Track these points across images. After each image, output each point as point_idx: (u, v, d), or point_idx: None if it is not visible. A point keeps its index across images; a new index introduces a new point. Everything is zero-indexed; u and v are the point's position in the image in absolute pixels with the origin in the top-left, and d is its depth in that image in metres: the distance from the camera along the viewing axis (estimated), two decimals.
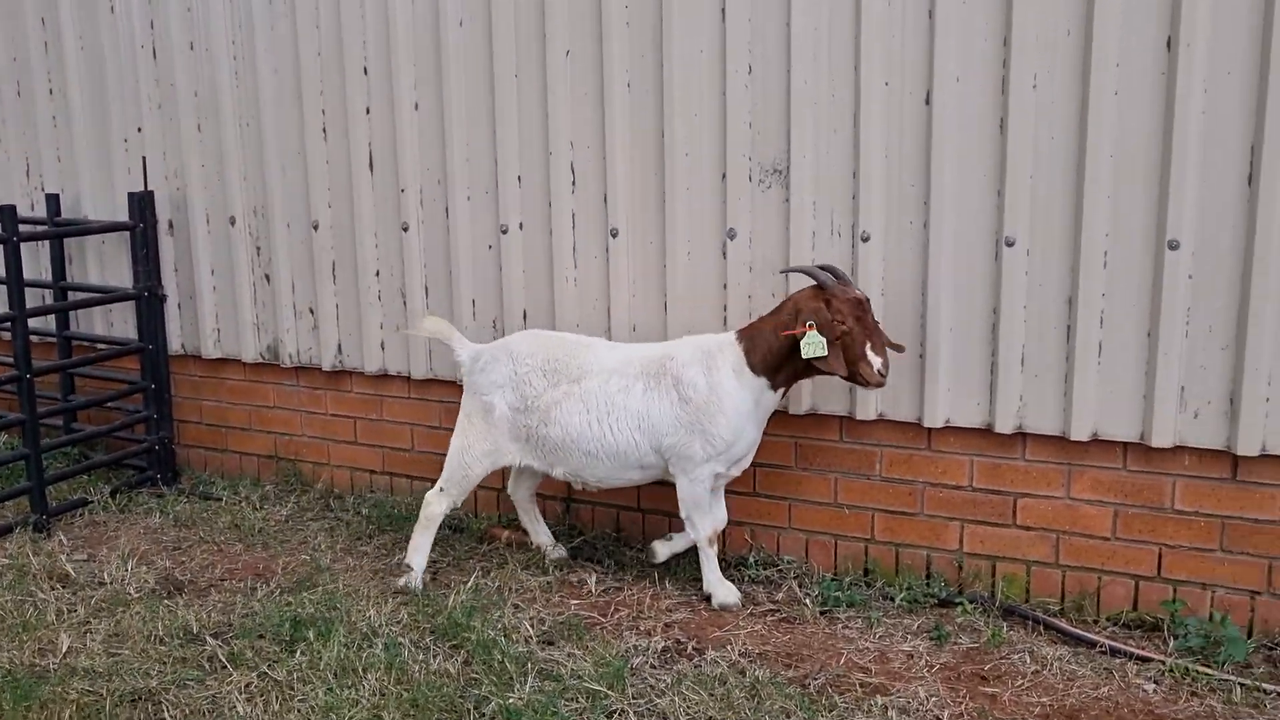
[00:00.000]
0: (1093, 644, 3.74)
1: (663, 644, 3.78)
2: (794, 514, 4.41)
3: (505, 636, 3.76)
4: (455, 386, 4.92)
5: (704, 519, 3.98)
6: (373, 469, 5.34)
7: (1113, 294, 3.73)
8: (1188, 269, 3.62)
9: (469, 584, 4.19)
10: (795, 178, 4.10)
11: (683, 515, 4.00)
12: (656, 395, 3.88)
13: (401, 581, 4.17)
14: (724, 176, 4.23)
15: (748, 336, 3.84)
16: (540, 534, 4.50)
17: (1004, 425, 3.94)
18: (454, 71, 4.67)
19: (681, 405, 3.83)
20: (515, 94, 4.58)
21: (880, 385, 3.69)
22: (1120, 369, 3.76)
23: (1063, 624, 3.85)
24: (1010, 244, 3.81)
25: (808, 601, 4.10)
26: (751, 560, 4.43)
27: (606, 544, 4.71)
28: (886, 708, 3.34)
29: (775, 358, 3.76)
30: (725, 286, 4.29)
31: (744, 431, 3.88)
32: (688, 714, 3.27)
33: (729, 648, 3.75)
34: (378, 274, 5.06)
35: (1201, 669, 3.53)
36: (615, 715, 3.25)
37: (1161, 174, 3.60)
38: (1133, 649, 3.68)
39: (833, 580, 4.25)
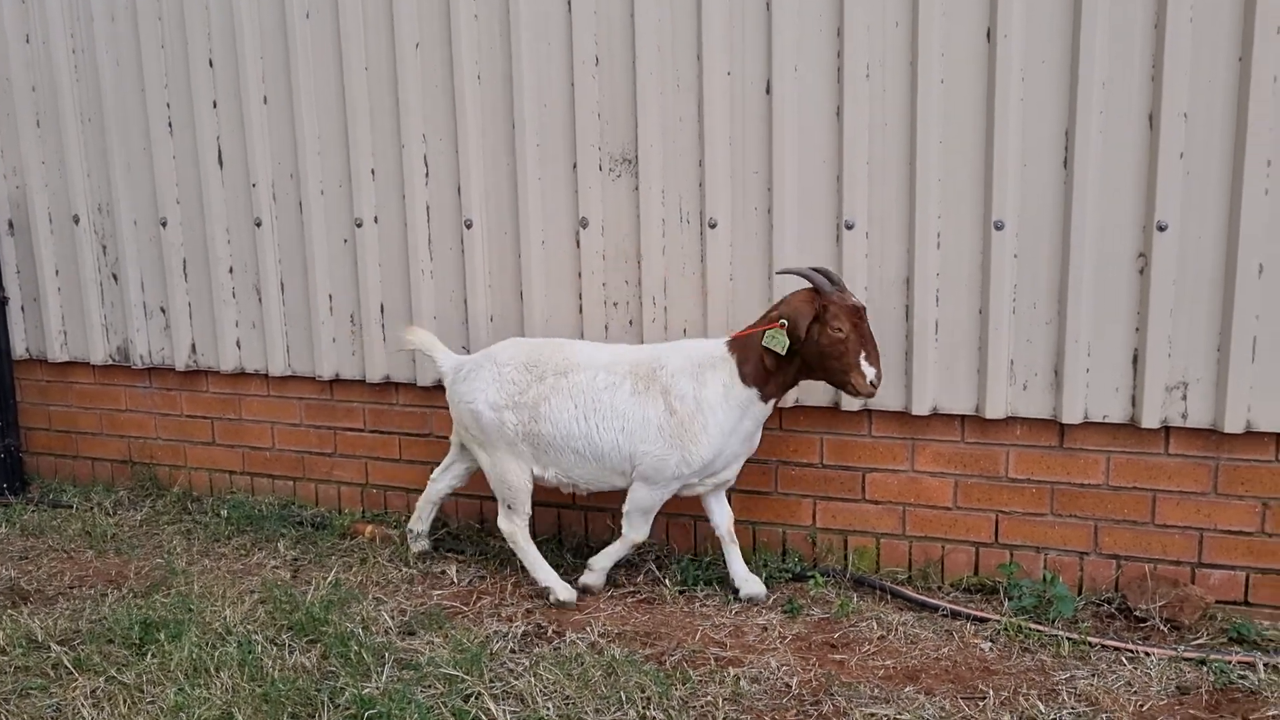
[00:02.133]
0: (935, 608, 3.90)
1: (523, 629, 3.81)
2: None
3: (364, 629, 3.75)
4: (315, 383, 4.88)
5: (647, 526, 3.95)
6: (233, 470, 5.24)
7: (946, 273, 3.90)
8: (1013, 248, 3.81)
9: (329, 579, 4.15)
10: (644, 167, 4.18)
11: (625, 509, 3.91)
12: (645, 399, 3.76)
13: (551, 599, 4.02)
14: (575, 166, 4.29)
15: (740, 346, 3.74)
16: (422, 521, 4.45)
17: (850, 403, 4.07)
18: (302, 64, 4.63)
19: (668, 416, 3.73)
20: (365, 86, 4.56)
21: (871, 395, 3.62)
22: (955, 345, 3.93)
23: (908, 592, 4.01)
24: (850, 227, 3.95)
25: (667, 582, 4.17)
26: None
27: (471, 535, 4.72)
28: (739, 678, 3.43)
29: (765, 366, 3.69)
30: (580, 275, 4.35)
31: (724, 449, 3.80)
32: (544, 693, 3.31)
33: (589, 629, 3.80)
34: (231, 271, 4.97)
35: (1034, 626, 3.72)
36: (471, 699, 3.27)
37: (986, 158, 3.78)
38: (971, 611, 3.85)
39: (692, 560, 4.34)
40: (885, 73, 3.86)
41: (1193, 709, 3.25)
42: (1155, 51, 3.57)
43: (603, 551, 4.06)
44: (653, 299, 4.24)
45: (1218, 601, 3.83)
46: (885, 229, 3.95)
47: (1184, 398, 3.72)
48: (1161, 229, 3.62)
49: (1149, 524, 3.87)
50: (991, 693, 3.33)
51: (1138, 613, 3.77)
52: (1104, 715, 3.18)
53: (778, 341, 3.59)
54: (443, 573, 4.32)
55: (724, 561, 4.13)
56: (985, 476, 4.03)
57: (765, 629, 3.82)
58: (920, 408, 3.98)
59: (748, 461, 4.09)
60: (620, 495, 3.98)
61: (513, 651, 3.65)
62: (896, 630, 3.77)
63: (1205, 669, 3.45)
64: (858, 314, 3.57)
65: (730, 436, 3.78)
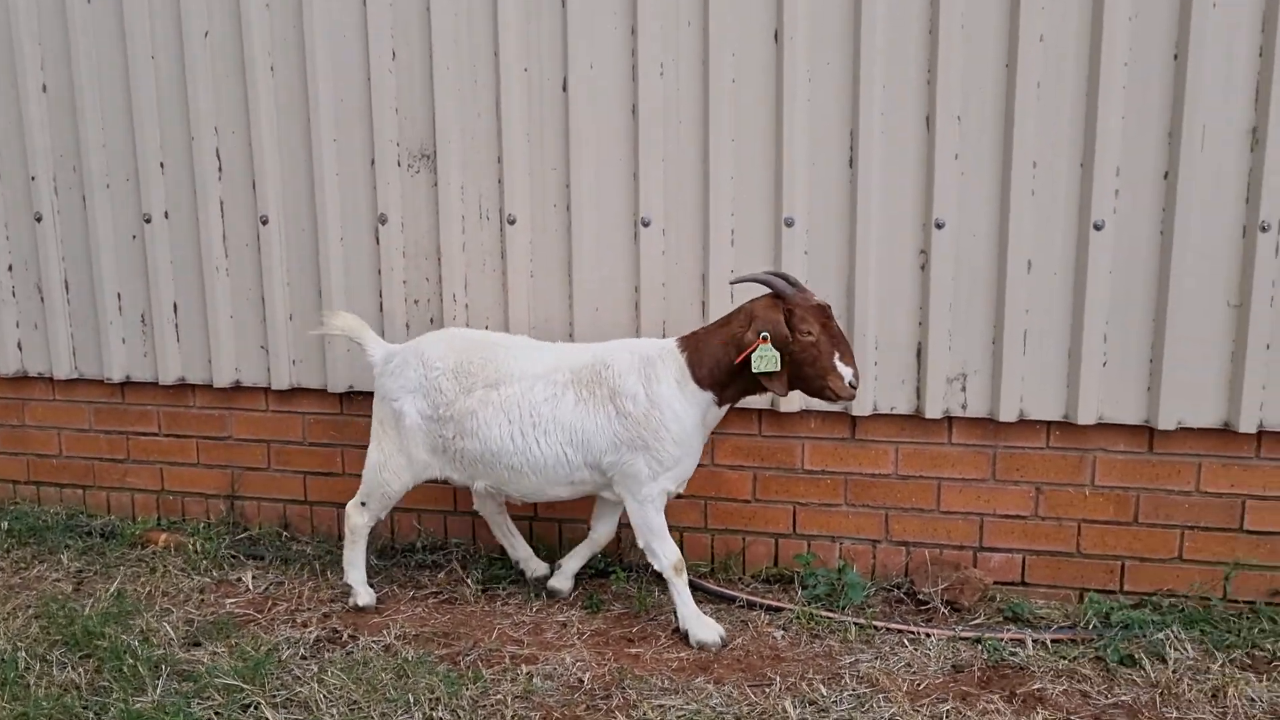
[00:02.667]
0: (733, 599, 3.96)
1: (316, 634, 3.71)
2: (460, 498, 4.43)
3: (144, 641, 3.59)
4: (105, 386, 4.66)
5: (665, 544, 3.60)
6: (16, 479, 4.96)
7: (741, 269, 3.97)
8: (804, 245, 3.90)
9: (111, 590, 3.96)
10: (442, 162, 4.13)
11: (640, 545, 3.63)
12: (590, 407, 3.51)
13: (350, 603, 3.89)
14: (373, 162, 4.20)
15: (691, 347, 3.50)
16: (518, 548, 4.13)
17: None
18: (84, 51, 4.41)
19: (620, 420, 3.48)
20: (153, 76, 4.38)
21: (851, 398, 3.37)
22: None
23: (708, 584, 4.07)
24: (646, 224, 3.98)
25: (470, 582, 4.13)
26: (419, 545, 4.42)
27: (272, 540, 4.57)
28: (531, 675, 3.42)
29: (724, 372, 3.44)
30: (380, 272, 4.27)
31: (692, 445, 3.56)
32: (328, 699, 3.23)
33: (385, 632, 3.73)
34: (10, 268, 4.70)
35: (824, 613, 3.81)
36: (250, 709, 3.16)
37: (776, 156, 3.86)
38: (767, 601, 3.93)
39: (496, 560, 4.30)
40: (679, 71, 3.90)
41: (965, 685, 3.38)
42: (930, 56, 3.71)
43: (676, 609, 3.67)
44: (453, 296, 4.19)
45: (998, 583, 4.00)
46: (682, 226, 3.99)
47: (963, 389, 3.87)
48: (940, 226, 3.77)
49: (934, 511, 4.02)
50: (778, 679, 3.40)
51: (922, 596, 3.91)
52: (881, 695, 3.28)
53: (769, 360, 3.31)
54: (238, 580, 4.18)
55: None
56: (783, 469, 4.12)
57: (565, 625, 3.81)
58: None
59: None
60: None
61: (302, 658, 3.55)
62: None
63: (980, 647, 3.60)
64: (824, 313, 3.36)
65: (695, 433, 3.54)
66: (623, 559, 4.27)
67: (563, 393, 3.54)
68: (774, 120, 3.84)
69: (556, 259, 4.10)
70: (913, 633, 3.68)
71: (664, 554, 3.60)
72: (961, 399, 3.88)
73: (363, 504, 3.86)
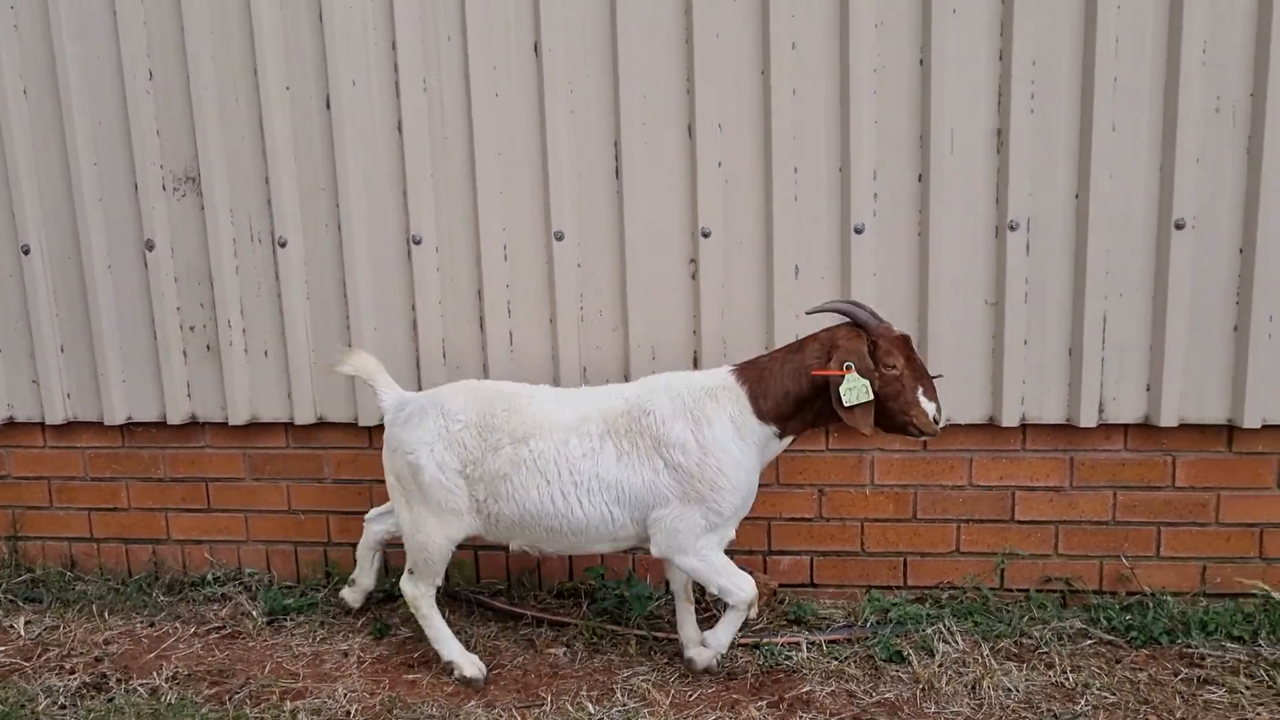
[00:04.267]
0: (520, 617, 3.92)
1: (80, 681, 3.58)
2: (251, 525, 4.32)
3: None
4: None
5: (736, 577, 3.27)
6: None
7: (516, 284, 3.93)
8: (575, 258, 3.88)
9: None
10: (208, 185, 4.01)
11: (715, 591, 3.28)
12: (634, 461, 3.19)
13: (456, 675, 3.54)
14: (136, 186, 4.06)
15: (753, 377, 3.21)
16: (367, 578, 3.92)
17: None
18: None
19: (669, 472, 3.17)
20: None
21: (935, 434, 3.16)
22: (531, 355, 3.96)
23: (496, 602, 4.03)
24: (418, 241, 3.92)
25: (254, 614, 4.02)
26: (210, 578, 4.30)
27: (55, 580, 4.40)
28: (297, 711, 3.34)
29: (791, 403, 3.17)
30: (150, 299, 4.12)
31: (752, 487, 3.29)
32: None
33: (156, 674, 3.62)
34: None
35: (609, 627, 3.80)
36: None
37: (543, 169, 3.82)
38: (554, 617, 3.90)
39: (288, 588, 4.20)
40: (442, 86, 3.84)
41: (736, 693, 3.40)
42: (688, 65, 3.71)
43: (722, 634, 3.45)
44: (229, 321, 4.08)
45: (788, 585, 4.04)
46: (455, 242, 3.94)
47: None
48: (706, 235, 3.77)
49: None
50: (550, 698, 3.38)
51: (707, 601, 3.92)
52: (648, 710, 3.27)
53: (859, 391, 3.05)
54: (11, 627, 4.01)
55: (335, 587, 4.02)
56: None
57: (346, 654, 3.74)
58: None
59: (342, 484, 4.01)
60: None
61: (61, 707, 3.42)
62: (478, 644, 3.77)
63: (758, 652, 3.62)
64: (908, 345, 3.14)
65: (753, 474, 3.25)
66: None
67: (600, 446, 3.22)
68: (538, 133, 3.81)
69: (332, 280, 4.02)
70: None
71: (738, 588, 3.25)
72: None
73: (410, 572, 3.53)
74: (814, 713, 3.27)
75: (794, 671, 3.52)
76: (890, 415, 3.13)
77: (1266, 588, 3.73)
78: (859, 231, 3.70)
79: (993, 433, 3.84)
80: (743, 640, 3.69)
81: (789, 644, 3.66)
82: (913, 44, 3.62)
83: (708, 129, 3.73)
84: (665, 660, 3.61)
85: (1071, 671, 3.46)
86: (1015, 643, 3.67)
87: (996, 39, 3.58)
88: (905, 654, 3.56)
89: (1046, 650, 3.59)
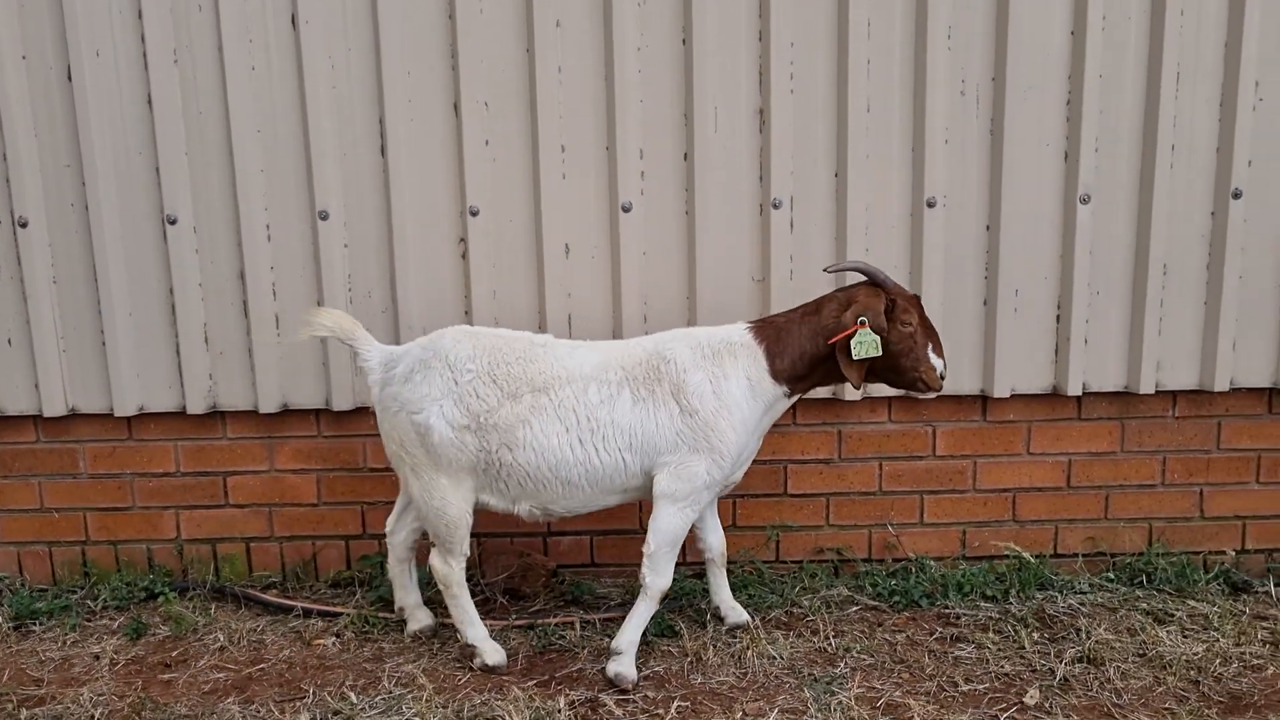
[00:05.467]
0: (290, 610, 3.79)
1: None
2: (2, 526, 4.05)
3: None
4: None
5: (671, 566, 3.27)
6: None
7: (280, 266, 3.79)
8: (342, 238, 3.77)
9: None
10: None
11: (648, 552, 3.22)
12: (651, 406, 3.17)
13: (476, 664, 3.37)
14: None
15: (770, 335, 3.22)
16: (409, 594, 3.63)
17: (197, 405, 3.88)
18: None
19: (684, 418, 3.16)
20: None
21: (940, 389, 3.25)
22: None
23: (264, 596, 3.89)
24: (173, 221, 3.74)
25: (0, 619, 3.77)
26: None
27: None
28: (35, 718, 3.14)
29: (806, 363, 3.21)
30: None
31: (746, 447, 3.29)
32: None
33: None
34: None
35: (381, 615, 3.71)
36: None
37: (305, 146, 3.70)
38: (324, 608, 3.80)
39: (41, 591, 3.96)
40: (195, 59, 3.67)
41: (506, 674, 3.36)
42: (451, 41, 3.65)
43: (624, 626, 3.30)
44: None
45: (568, 566, 4.03)
46: (213, 223, 3.77)
47: None
48: (474, 214, 3.73)
49: None
50: (313, 690, 3.27)
51: (482, 587, 3.87)
52: (411, 695, 3.21)
53: (870, 345, 3.11)
54: None
55: (91, 587, 3.80)
56: (347, 469, 3.98)
57: (98, 658, 3.55)
58: (268, 405, 3.86)
59: (99, 479, 3.80)
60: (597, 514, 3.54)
61: None
62: (242, 639, 3.63)
63: (532, 634, 3.59)
64: (919, 305, 3.23)
65: (753, 434, 3.28)
66: (187, 575, 4.02)
67: (618, 393, 3.18)
68: (299, 109, 3.69)
69: (80, 263, 3.79)
70: None
71: (665, 576, 3.27)
72: None
73: (445, 547, 3.34)
74: (582, 690, 3.26)
75: (566, 650, 3.51)
76: (901, 371, 3.20)
77: (1018, 549, 3.92)
78: (627, 210, 3.72)
79: None
80: (516, 622, 3.67)
81: (563, 623, 3.64)
82: (675, 23, 3.65)
83: (474, 107, 3.68)
84: (439, 645, 3.54)
85: (835, 636, 3.56)
86: (786, 612, 3.76)
87: (756, 20, 3.65)
88: (678, 628, 3.58)
89: (814, 618, 3.68)
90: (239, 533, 4.03)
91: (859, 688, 3.24)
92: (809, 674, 3.33)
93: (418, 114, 3.69)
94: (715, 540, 3.54)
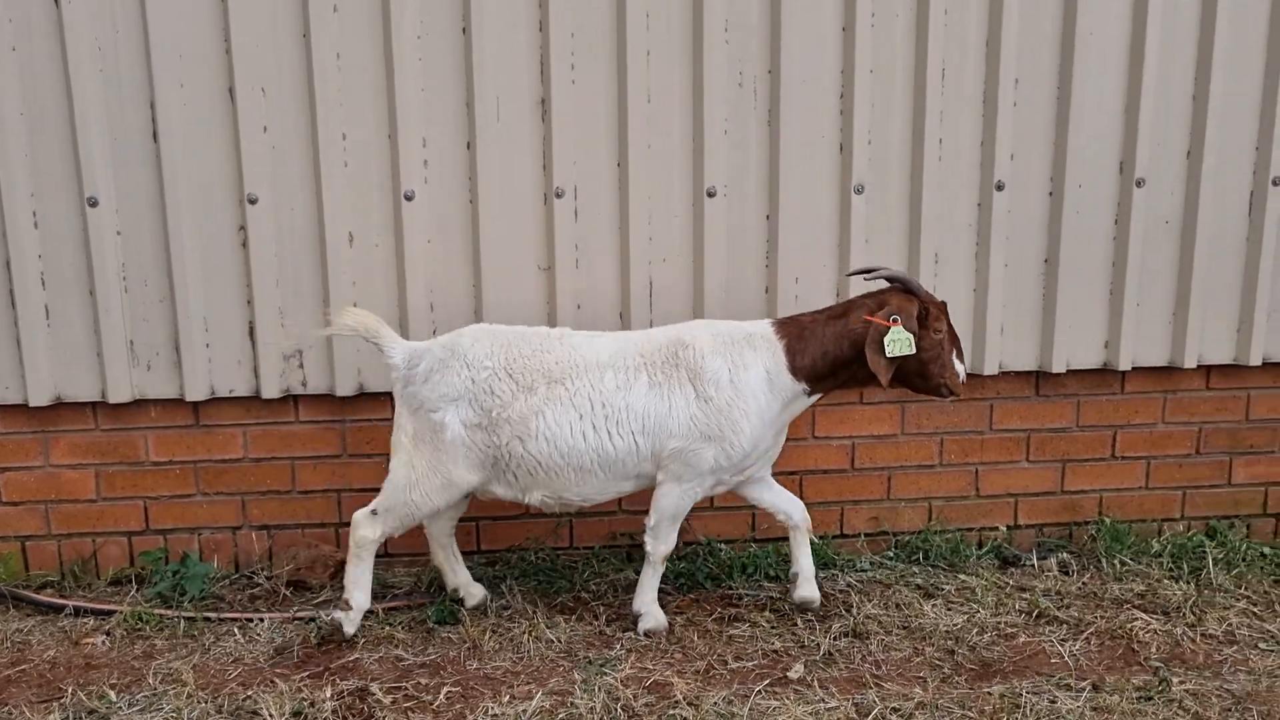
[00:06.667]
0: (60, 609, 3.68)
1: None
2: None
3: None
4: None
5: (674, 534, 3.41)
6: None
7: (49, 254, 3.67)
8: (114, 225, 3.67)
9: None
10: None
11: (650, 524, 3.37)
12: (667, 390, 3.20)
13: (330, 617, 3.40)
14: None
15: (793, 333, 3.26)
16: (459, 574, 3.66)
17: None
18: None
19: (699, 404, 3.19)
20: None
21: (960, 396, 3.37)
22: (70, 329, 3.72)
23: (35, 596, 3.76)
24: None
25: None
26: None
27: None
28: None
29: (828, 364, 3.25)
30: None
31: (762, 440, 3.32)
32: None
33: None
34: None
35: (157, 611, 3.63)
36: None
37: (71, 130, 3.58)
38: (97, 606, 3.69)
39: None
40: None
41: (281, 666, 3.32)
42: (224, 23, 3.59)
43: (639, 589, 3.48)
44: None
45: None
46: None
47: (301, 365, 3.80)
48: (253, 202, 3.66)
49: (293, 492, 3.94)
50: (72, 690, 3.18)
51: (268, 578, 3.82)
52: (172, 692, 3.15)
53: (903, 343, 3.16)
54: None
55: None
56: (128, 463, 3.88)
57: None
58: (39, 398, 3.73)
59: None
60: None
61: None
62: (6, 640, 3.50)
63: (314, 625, 3.55)
64: (947, 311, 3.31)
65: (769, 427, 3.31)
66: None
67: (634, 377, 3.21)
68: (64, 91, 3.57)
69: None
70: (243, 620, 3.58)
71: (667, 543, 3.41)
72: (301, 376, 3.82)
73: (374, 513, 3.35)
74: (357, 679, 3.24)
75: (345, 641, 3.48)
76: (929, 376, 3.27)
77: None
78: (410, 198, 3.70)
79: None
80: (299, 614, 3.62)
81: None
82: (455, 11, 3.65)
83: (250, 92, 3.62)
84: (214, 641, 3.49)
85: (616, 620, 3.60)
86: (574, 597, 3.80)
87: (536, 9, 3.67)
88: (460, 616, 3.59)
89: (598, 602, 3.73)
90: (13, 531, 3.90)
91: (631, 668, 3.29)
92: (585, 656, 3.38)
93: (190, 99, 3.61)
94: (793, 508, 3.61)
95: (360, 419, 3.90)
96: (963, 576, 3.93)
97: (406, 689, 3.19)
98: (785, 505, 3.59)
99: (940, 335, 3.25)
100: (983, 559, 4.08)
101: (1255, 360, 4.09)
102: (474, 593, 3.66)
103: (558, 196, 3.74)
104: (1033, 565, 4.02)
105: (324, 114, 3.63)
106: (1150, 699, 3.11)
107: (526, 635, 3.47)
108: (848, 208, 3.84)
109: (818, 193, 3.83)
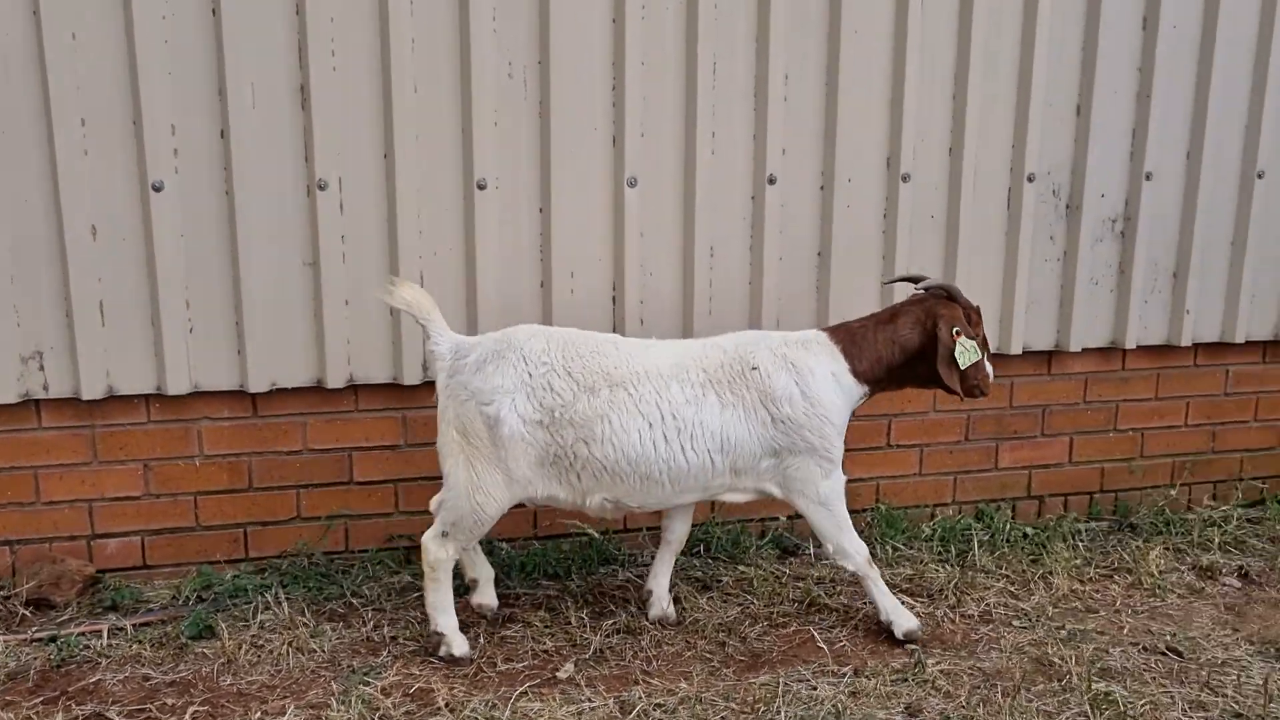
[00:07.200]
0: None
1: None
2: None
3: None
4: None
5: (854, 540, 3.36)
6: None
7: None
8: None
9: None
10: None
11: (830, 550, 3.37)
12: (739, 413, 3.19)
13: (442, 653, 3.27)
14: None
15: (845, 339, 3.33)
16: (479, 566, 3.49)
17: None
18: None
19: (776, 425, 3.21)
20: None
21: (987, 395, 3.50)
22: None
23: None
24: None
25: None
26: None
27: None
28: None
29: (882, 369, 3.34)
30: None
31: (844, 433, 3.36)
32: None
33: None
34: None
35: None
36: None
37: None
38: None
39: None
40: None
41: (13, 693, 3.09)
42: None
43: (879, 607, 3.45)
44: None
45: (119, 569, 3.77)
46: None
47: (42, 368, 3.55)
48: None
49: (36, 503, 3.69)
50: None
51: (4, 598, 3.56)
52: None
53: (971, 354, 3.31)
54: None
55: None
56: None
57: None
58: None
59: None
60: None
61: None
62: None
63: (54, 646, 3.32)
64: (981, 317, 3.44)
65: (845, 424, 3.35)
66: None
67: (703, 394, 3.18)
68: None
69: None
70: None
71: (855, 551, 3.36)
72: (43, 379, 3.56)
73: (444, 534, 3.21)
74: (96, 702, 3.05)
75: (88, 662, 3.27)
76: (967, 379, 3.35)
77: (585, 526, 3.99)
78: (158, 189, 3.49)
79: (324, 395, 3.80)
80: (36, 635, 3.39)
81: (88, 632, 3.39)
82: None
83: None
84: None
85: (387, 625, 3.49)
86: (345, 603, 3.67)
87: None
88: (216, 629, 3.42)
89: (369, 608, 3.61)
90: None
91: (395, 675, 3.19)
92: (349, 665, 3.26)
93: None
94: (681, 532, 3.60)
95: (112, 423, 3.67)
96: (742, 568, 3.97)
97: (150, 710, 3.02)
98: (680, 524, 3.61)
99: (978, 339, 3.39)
100: (763, 550, 4.12)
101: (1016, 349, 4.26)
102: (487, 592, 3.54)
103: (321, 188, 3.60)
104: (810, 554, 4.08)
105: (58, 97, 3.39)
106: (905, 680, 3.19)
107: (288, 646, 3.32)
108: (621, 200, 3.81)
109: (591, 185, 3.80)
